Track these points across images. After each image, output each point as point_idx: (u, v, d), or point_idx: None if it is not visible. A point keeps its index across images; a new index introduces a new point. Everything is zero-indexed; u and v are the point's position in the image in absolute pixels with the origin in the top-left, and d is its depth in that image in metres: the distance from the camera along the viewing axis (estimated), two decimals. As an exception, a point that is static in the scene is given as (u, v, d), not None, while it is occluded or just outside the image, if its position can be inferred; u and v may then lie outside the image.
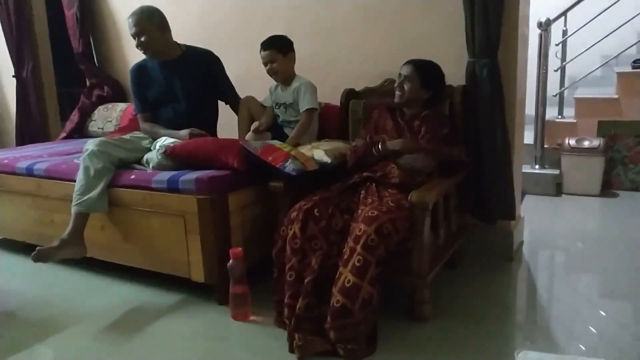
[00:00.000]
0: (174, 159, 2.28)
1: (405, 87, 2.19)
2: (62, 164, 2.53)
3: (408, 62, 2.21)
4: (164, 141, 2.36)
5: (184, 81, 2.53)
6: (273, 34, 2.49)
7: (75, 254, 2.25)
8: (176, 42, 2.57)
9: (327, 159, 2.18)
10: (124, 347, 1.91)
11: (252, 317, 2.05)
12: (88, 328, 2.05)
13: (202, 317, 2.10)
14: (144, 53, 2.52)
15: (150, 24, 2.44)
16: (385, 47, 2.67)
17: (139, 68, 2.60)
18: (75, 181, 2.28)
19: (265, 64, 2.48)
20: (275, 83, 2.58)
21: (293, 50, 2.50)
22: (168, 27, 2.52)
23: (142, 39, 2.44)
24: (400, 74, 2.22)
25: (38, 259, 2.13)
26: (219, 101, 2.74)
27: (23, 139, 3.73)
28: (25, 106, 3.73)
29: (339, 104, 2.64)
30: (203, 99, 2.58)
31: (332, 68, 2.81)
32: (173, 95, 2.55)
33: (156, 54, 2.51)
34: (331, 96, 2.65)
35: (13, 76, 3.76)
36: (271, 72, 2.49)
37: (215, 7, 3.16)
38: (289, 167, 2.06)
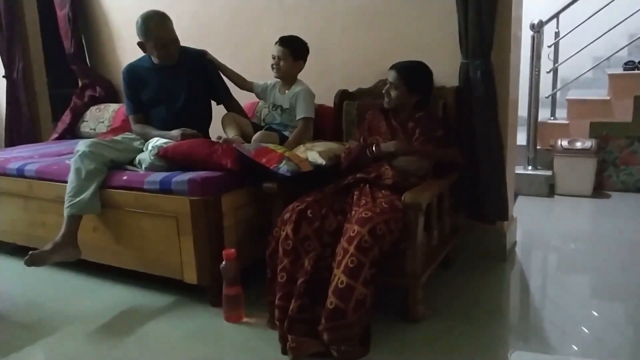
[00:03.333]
0: (167, 160, 2.27)
1: (392, 94, 2.19)
2: (54, 165, 2.51)
3: (393, 67, 2.20)
4: (156, 142, 2.34)
5: (178, 82, 2.51)
6: (294, 35, 2.49)
7: (69, 257, 2.23)
8: None
9: (321, 161, 2.17)
10: (116, 349, 1.90)
11: (245, 319, 2.04)
12: (79, 330, 2.03)
13: (195, 319, 2.09)
14: (170, 60, 2.47)
15: (174, 30, 2.43)
16: (379, 48, 2.67)
17: (132, 69, 2.58)
18: (66, 182, 2.27)
19: (273, 57, 2.47)
20: (273, 81, 2.58)
21: (304, 59, 2.50)
22: None
23: (177, 46, 2.43)
24: (387, 79, 2.22)
25: (31, 263, 2.11)
26: (214, 104, 2.72)
27: (12, 140, 3.69)
28: (15, 107, 3.69)
29: (332, 105, 2.64)
30: (197, 100, 2.57)
31: (326, 69, 2.81)
32: (167, 96, 2.53)
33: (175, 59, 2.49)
34: (324, 97, 2.65)
35: (3, 76, 3.73)
36: (275, 67, 2.48)
37: (208, 6, 3.15)
38: (283, 168, 2.05)
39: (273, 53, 2.47)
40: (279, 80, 2.57)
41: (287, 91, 2.52)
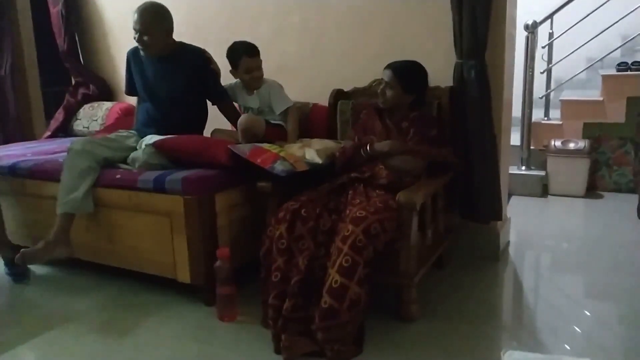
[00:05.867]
0: (161, 154, 2.26)
1: (388, 93, 2.19)
2: (47, 163, 2.50)
3: (388, 67, 2.20)
4: (150, 140, 2.33)
5: (173, 78, 2.49)
6: (242, 40, 2.48)
7: (61, 255, 2.22)
8: (173, 40, 2.55)
9: (318, 160, 2.17)
10: (109, 348, 1.89)
11: (239, 318, 2.04)
12: (72, 330, 2.02)
13: (189, 318, 2.08)
14: (142, 50, 2.47)
15: (159, 27, 2.40)
16: (374, 47, 2.67)
17: (134, 53, 2.57)
18: (59, 181, 2.25)
19: (250, 71, 2.46)
20: (238, 82, 2.57)
21: None
22: (173, 29, 2.48)
23: (145, 39, 2.38)
24: (382, 79, 2.22)
25: (23, 261, 2.10)
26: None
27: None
28: (3, 104, 3.65)
29: (327, 105, 2.63)
30: (189, 97, 2.54)
31: (321, 68, 2.81)
32: (159, 90, 2.51)
33: (153, 53, 2.47)
34: (319, 96, 2.65)
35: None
36: (257, 78, 2.48)
37: (204, 5, 3.14)
38: (278, 168, 2.05)
39: (250, 66, 2.45)
40: (238, 80, 2.57)
41: (255, 91, 2.53)
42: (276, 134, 2.42)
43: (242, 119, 2.40)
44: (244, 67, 2.46)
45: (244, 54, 2.45)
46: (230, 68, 2.51)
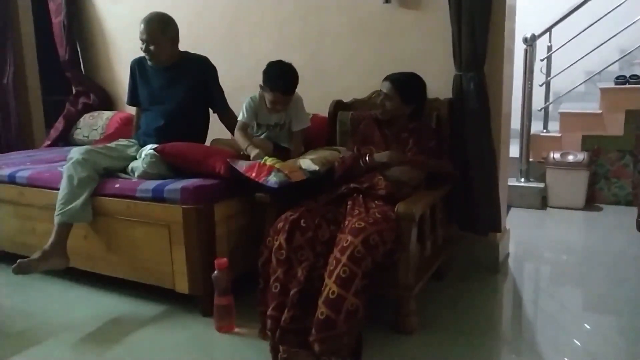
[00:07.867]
0: (161, 164, 2.27)
1: (387, 105, 2.20)
2: (46, 172, 2.50)
3: (387, 79, 2.21)
4: (150, 149, 2.34)
5: (177, 87, 2.52)
6: (290, 71, 2.33)
7: (57, 265, 2.21)
8: (178, 49, 2.57)
9: (315, 167, 2.16)
10: (105, 359, 1.87)
11: (236, 329, 2.03)
12: (69, 339, 2.01)
13: (186, 329, 2.07)
14: (148, 60, 2.50)
15: (163, 36, 2.44)
16: (374, 59, 2.69)
17: (140, 63, 2.61)
18: (58, 190, 2.25)
19: (275, 104, 2.33)
20: (254, 98, 2.42)
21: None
22: (178, 38, 2.52)
23: (151, 48, 2.43)
24: (381, 91, 2.23)
25: (19, 271, 2.09)
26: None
27: (1, 146, 3.66)
28: (4, 113, 3.66)
29: (326, 115, 2.64)
30: (193, 106, 2.56)
31: (321, 79, 2.82)
32: (163, 99, 2.53)
33: (160, 62, 2.51)
34: (319, 107, 2.66)
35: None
36: (277, 110, 2.39)
37: (204, 16, 3.16)
38: (272, 180, 2.02)
39: (276, 100, 2.31)
40: (255, 96, 2.42)
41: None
42: (281, 158, 2.37)
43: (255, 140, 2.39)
44: (272, 97, 2.32)
45: (279, 91, 2.31)
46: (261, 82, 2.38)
